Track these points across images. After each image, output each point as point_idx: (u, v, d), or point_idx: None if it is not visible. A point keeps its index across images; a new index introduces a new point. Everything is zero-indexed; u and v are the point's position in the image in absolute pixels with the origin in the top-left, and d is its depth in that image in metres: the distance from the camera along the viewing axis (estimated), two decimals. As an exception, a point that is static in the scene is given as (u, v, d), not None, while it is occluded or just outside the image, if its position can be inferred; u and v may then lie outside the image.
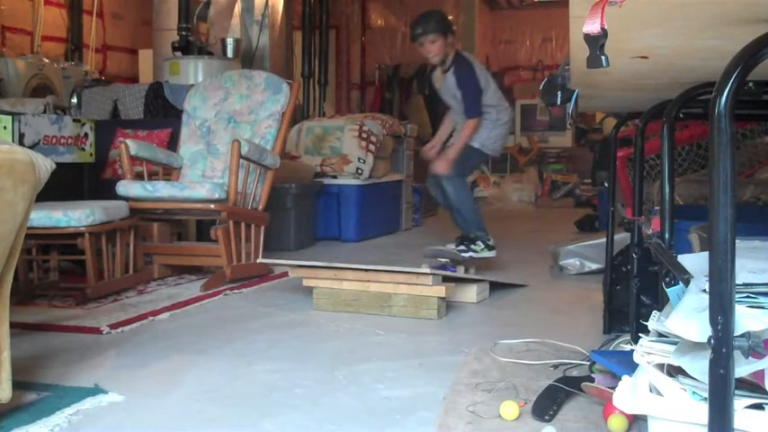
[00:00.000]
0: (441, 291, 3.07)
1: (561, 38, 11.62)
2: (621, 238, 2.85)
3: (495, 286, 3.59)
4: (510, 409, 1.86)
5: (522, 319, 3.10)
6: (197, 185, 3.83)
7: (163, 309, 3.25)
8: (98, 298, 3.42)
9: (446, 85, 4.31)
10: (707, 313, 1.16)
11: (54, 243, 3.53)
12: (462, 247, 4.11)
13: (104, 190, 4.17)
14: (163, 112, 5.42)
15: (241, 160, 3.82)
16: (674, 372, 1.44)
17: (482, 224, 4.23)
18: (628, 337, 2.34)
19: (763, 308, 1.28)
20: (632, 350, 1.59)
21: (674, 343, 1.45)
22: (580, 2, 1.10)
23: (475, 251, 4.12)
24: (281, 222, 5.01)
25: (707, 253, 1.16)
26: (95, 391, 2.12)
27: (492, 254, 4.19)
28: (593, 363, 2.13)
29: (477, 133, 4.23)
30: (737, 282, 1.22)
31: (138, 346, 2.68)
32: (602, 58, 1.15)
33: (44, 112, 4.51)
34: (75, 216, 3.33)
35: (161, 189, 3.79)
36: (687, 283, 1.46)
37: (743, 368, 1.27)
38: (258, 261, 3.87)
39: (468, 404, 1.97)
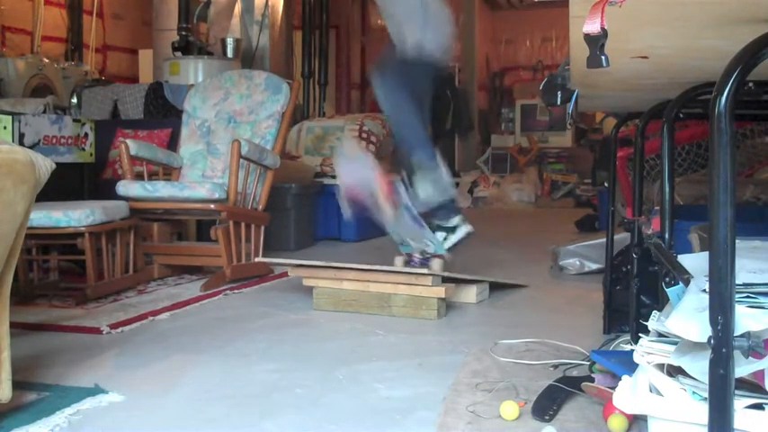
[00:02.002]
0: (440, 291, 3.07)
1: (561, 38, 11.63)
2: (621, 238, 2.85)
3: (495, 286, 3.58)
4: (510, 409, 1.86)
5: (522, 319, 3.09)
6: (197, 185, 3.83)
7: (163, 309, 3.25)
8: (98, 298, 3.42)
9: None
10: (707, 313, 1.16)
11: (54, 243, 3.53)
12: (439, 237, 3.37)
13: (104, 190, 4.16)
14: (163, 112, 5.43)
15: (241, 160, 3.82)
16: (674, 372, 1.44)
17: (431, 149, 3.34)
18: (628, 337, 2.34)
19: (763, 308, 1.28)
20: (632, 350, 1.59)
21: (674, 343, 1.45)
22: (580, 2, 1.10)
23: (450, 230, 3.32)
24: (281, 222, 5.01)
25: (707, 253, 1.16)
26: (95, 391, 2.12)
27: (468, 228, 3.44)
28: (593, 363, 2.12)
29: (406, 33, 3.35)
30: (737, 282, 1.22)
31: (138, 346, 2.68)
32: (602, 58, 1.15)
33: (44, 112, 4.52)
34: (75, 216, 3.33)
35: (161, 189, 3.79)
36: (687, 283, 1.46)
37: (743, 368, 1.27)
38: (257, 260, 3.87)
39: (468, 404, 1.96)
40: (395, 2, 3.51)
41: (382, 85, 3.33)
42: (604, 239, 2.87)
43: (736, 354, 1.15)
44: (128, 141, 4.03)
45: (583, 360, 2.32)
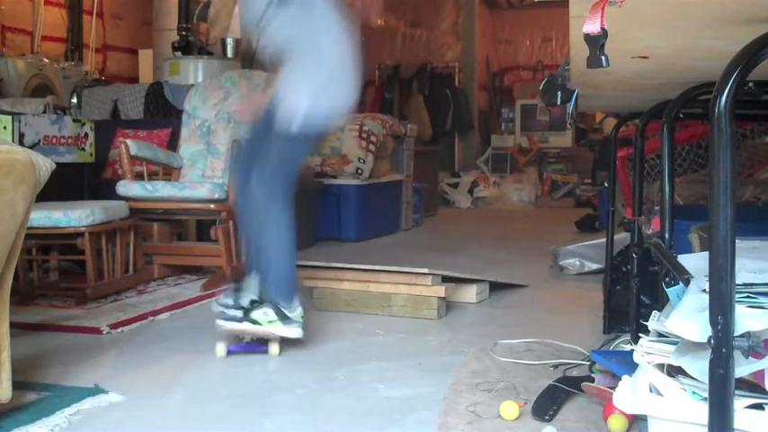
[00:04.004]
0: (440, 291, 3.07)
1: (561, 38, 11.60)
2: (621, 238, 2.85)
3: (495, 286, 3.58)
4: (510, 409, 1.86)
5: (522, 319, 3.09)
6: (197, 185, 3.83)
7: (163, 309, 3.25)
8: (98, 298, 3.42)
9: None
10: (707, 313, 1.16)
11: (54, 243, 3.53)
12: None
13: (104, 190, 4.16)
14: (163, 112, 5.42)
15: (241, 160, 3.82)
16: (674, 372, 1.44)
17: (296, 288, 2.53)
18: (628, 337, 2.34)
19: (763, 308, 1.29)
20: (632, 350, 1.59)
21: (674, 343, 1.45)
22: (580, 2, 1.10)
23: (257, 321, 2.47)
24: (281, 222, 5.00)
25: (707, 253, 1.16)
26: (95, 391, 2.12)
27: (295, 331, 2.48)
28: (593, 363, 2.13)
29: (300, 92, 2.49)
30: (737, 282, 1.22)
31: (138, 346, 2.68)
32: (602, 58, 1.15)
33: (44, 112, 4.51)
34: (75, 216, 3.33)
35: (161, 189, 3.79)
36: (687, 283, 1.46)
37: (743, 368, 1.27)
38: (258, 261, 3.86)
39: (468, 404, 1.97)
40: (302, 48, 2.59)
41: (271, 203, 2.48)
42: (604, 239, 2.87)
43: (736, 354, 1.15)
44: (128, 141, 4.02)
45: (583, 360, 2.32)
